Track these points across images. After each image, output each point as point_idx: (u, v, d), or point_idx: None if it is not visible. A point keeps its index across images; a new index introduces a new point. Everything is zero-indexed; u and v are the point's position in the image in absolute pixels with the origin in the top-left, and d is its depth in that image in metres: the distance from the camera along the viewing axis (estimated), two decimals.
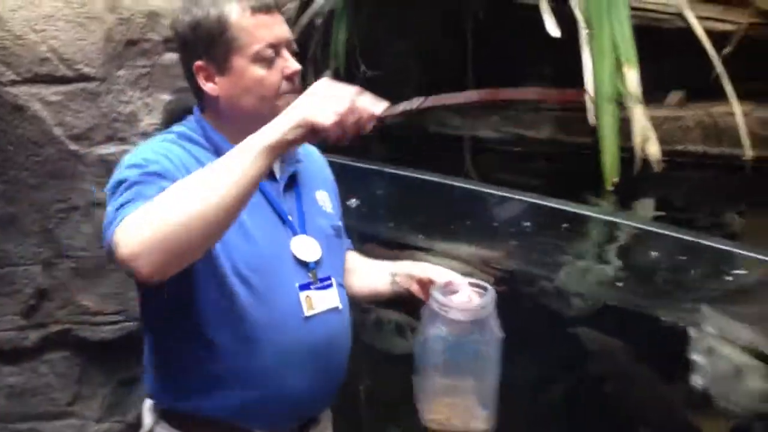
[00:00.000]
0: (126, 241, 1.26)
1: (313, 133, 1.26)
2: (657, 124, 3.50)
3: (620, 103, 3.17)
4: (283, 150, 1.29)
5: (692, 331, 2.16)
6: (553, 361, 2.50)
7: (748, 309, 2.21)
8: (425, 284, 1.63)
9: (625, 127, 3.25)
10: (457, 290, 1.58)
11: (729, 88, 3.20)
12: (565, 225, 2.81)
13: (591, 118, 3.12)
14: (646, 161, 3.23)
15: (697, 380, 2.05)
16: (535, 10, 3.23)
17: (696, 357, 2.09)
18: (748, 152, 3.19)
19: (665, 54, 3.49)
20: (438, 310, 1.49)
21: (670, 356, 2.24)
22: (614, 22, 3.19)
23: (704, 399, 2.03)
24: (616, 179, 3.12)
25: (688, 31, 3.35)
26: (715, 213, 3.09)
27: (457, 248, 2.90)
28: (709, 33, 3.30)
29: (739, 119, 3.26)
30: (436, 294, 1.52)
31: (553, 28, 3.13)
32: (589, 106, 3.13)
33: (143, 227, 1.24)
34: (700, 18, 3.40)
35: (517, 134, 3.78)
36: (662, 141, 3.45)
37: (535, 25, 3.22)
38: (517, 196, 2.94)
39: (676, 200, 3.37)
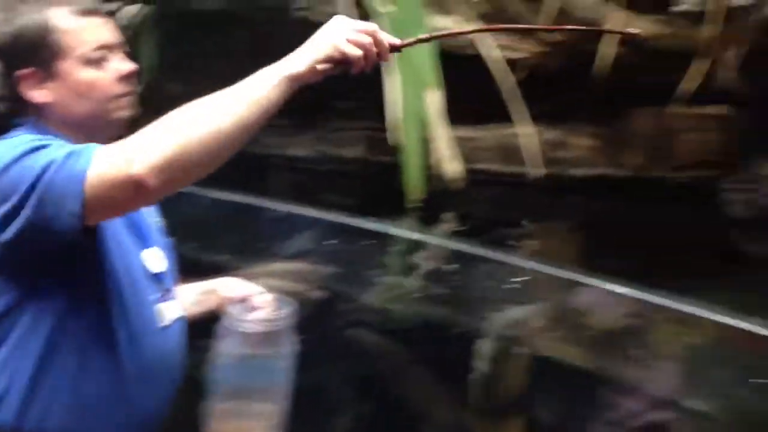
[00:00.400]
0: (144, 157, 1.22)
1: (340, 64, 1.29)
2: (458, 144, 3.71)
3: (423, 124, 3.32)
4: (308, 81, 1.29)
5: (478, 336, 2.29)
6: (347, 369, 2.56)
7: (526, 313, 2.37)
8: (228, 301, 1.62)
9: (428, 147, 3.42)
10: (255, 306, 1.57)
11: (519, 112, 3.43)
12: (370, 242, 2.90)
13: (393, 138, 3.24)
14: (447, 179, 3.40)
15: (476, 381, 2.19)
16: None
17: (480, 361, 2.23)
18: (538, 171, 3.44)
19: (464, 78, 3.70)
20: (231, 326, 1.48)
21: (459, 361, 2.36)
22: (417, 47, 3.34)
23: (482, 399, 2.16)
24: (419, 197, 3.26)
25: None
26: (508, 226, 3.31)
27: (268, 268, 2.90)
28: (505, 60, 3.54)
29: (530, 140, 3.51)
30: (231, 309, 1.51)
31: None
32: (392, 127, 3.26)
33: (161, 143, 1.23)
34: (499, 46, 3.65)
35: (329, 153, 3.86)
36: (462, 160, 3.67)
37: None
38: (323, 216, 3.00)
39: (474, 215, 3.58)
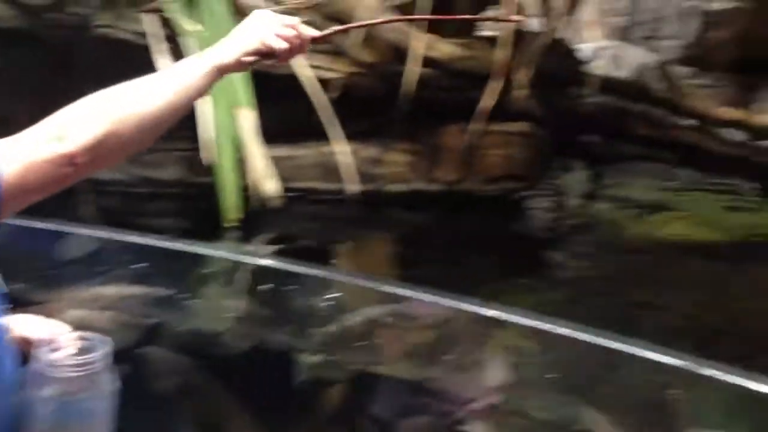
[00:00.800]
0: (76, 135, 1.21)
1: (266, 56, 1.33)
2: (276, 163, 3.72)
3: (237, 143, 3.30)
4: (234, 71, 1.33)
5: (299, 353, 2.30)
6: (165, 396, 2.48)
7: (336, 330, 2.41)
8: (29, 342, 1.52)
9: (244, 166, 3.40)
10: (63, 346, 1.48)
11: (335, 130, 3.50)
12: (187, 264, 2.83)
13: (207, 158, 3.20)
14: (266, 198, 3.39)
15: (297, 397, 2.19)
16: (147, 50, 3.25)
17: (301, 377, 2.24)
18: (355, 187, 3.51)
19: (281, 98, 3.72)
20: (42, 371, 1.39)
21: (280, 379, 2.36)
22: None
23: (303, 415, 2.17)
24: (237, 217, 3.23)
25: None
26: (327, 242, 3.35)
27: (77, 296, 2.76)
28: (319, 80, 3.59)
29: (346, 158, 3.59)
30: (39, 353, 1.41)
31: None
32: (205, 147, 3.21)
33: (92, 122, 1.22)
34: (312, 66, 3.70)
35: (143, 176, 3.73)
36: (281, 178, 3.68)
37: (147, 66, 3.22)
38: (138, 240, 2.89)
39: (294, 233, 3.60)
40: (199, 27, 3.28)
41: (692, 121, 4.50)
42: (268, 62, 1.43)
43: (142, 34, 3.44)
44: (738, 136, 4.70)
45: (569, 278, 3.52)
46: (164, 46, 3.32)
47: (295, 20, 1.39)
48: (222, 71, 1.34)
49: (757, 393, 1.91)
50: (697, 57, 4.41)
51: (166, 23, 3.38)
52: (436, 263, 3.41)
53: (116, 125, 1.25)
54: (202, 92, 1.34)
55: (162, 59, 3.22)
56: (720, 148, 4.46)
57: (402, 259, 3.48)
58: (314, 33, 1.44)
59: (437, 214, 4.01)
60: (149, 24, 3.30)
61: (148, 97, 1.28)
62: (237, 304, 2.77)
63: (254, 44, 1.33)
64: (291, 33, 1.36)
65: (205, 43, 3.18)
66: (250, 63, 1.38)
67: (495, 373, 2.54)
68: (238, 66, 1.36)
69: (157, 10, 3.39)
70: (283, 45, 1.35)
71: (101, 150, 1.24)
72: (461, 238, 3.79)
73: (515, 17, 2.08)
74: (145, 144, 1.32)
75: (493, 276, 3.34)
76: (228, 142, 3.25)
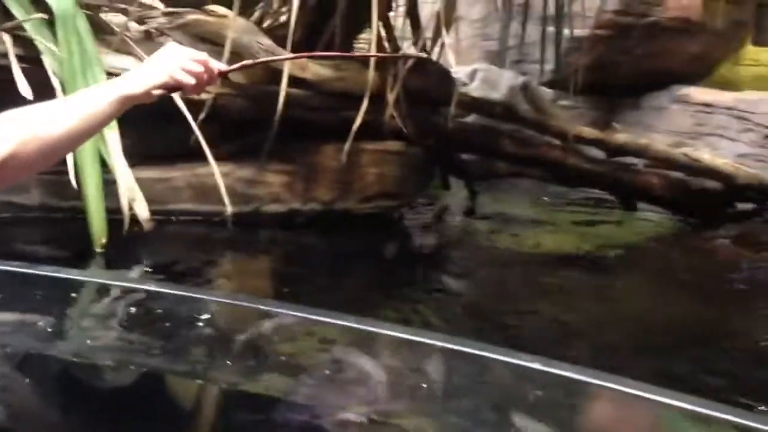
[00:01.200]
0: None
1: (174, 90, 1.38)
2: (148, 185, 3.66)
3: (102, 166, 3.23)
4: (142, 102, 1.35)
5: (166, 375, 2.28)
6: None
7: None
8: None
9: (115, 189, 3.33)
10: None
11: (208, 151, 3.49)
12: (55, 290, 2.75)
13: (73, 181, 3.12)
14: (137, 221, 3.34)
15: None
16: (8, 71, 3.15)
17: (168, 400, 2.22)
18: (230, 209, 3.51)
19: (153, 119, 3.67)
20: None
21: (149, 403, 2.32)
22: (90, 81, 3.27)
23: None
24: (105, 241, 3.16)
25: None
26: (202, 264, 3.33)
27: None
28: (187, 102, 3.57)
29: (223, 179, 3.58)
30: None
31: (25, 90, 3.08)
32: (71, 170, 3.14)
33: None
34: None
35: (6, 200, 3.58)
36: (154, 201, 3.63)
37: (9, 86, 3.13)
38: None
39: (167, 255, 3.55)
40: (54, 48, 3.21)
41: (557, 140, 4.75)
42: (177, 94, 1.47)
43: (4, 54, 3.33)
44: (598, 153, 5.00)
45: (445, 292, 3.64)
46: (23, 66, 3.22)
47: (204, 55, 1.44)
48: (129, 101, 1.38)
49: (615, 391, 2.04)
50: (560, 80, 4.67)
51: (29, 43, 3.29)
52: (313, 281, 3.45)
53: (19, 147, 1.27)
54: (107, 121, 1.37)
55: (22, 81, 3.12)
56: (583, 165, 4.72)
57: (279, 278, 3.50)
58: (222, 67, 1.50)
59: (314, 234, 4.06)
60: (8, 44, 3.20)
61: (52, 123, 1.30)
62: (106, 328, 2.71)
63: (163, 78, 1.39)
64: (199, 68, 1.42)
65: (65, 64, 3.13)
66: (158, 95, 1.41)
67: (369, 385, 2.60)
68: (145, 97, 1.40)
69: (16, 29, 3.29)
70: (191, 79, 1.40)
71: (4, 170, 1.26)
72: (338, 257, 3.85)
73: (419, 53, 2.24)
74: (44, 167, 1.37)
75: (369, 292, 3.41)
76: (92, 164, 3.18)
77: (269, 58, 3.05)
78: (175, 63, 1.41)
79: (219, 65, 1.50)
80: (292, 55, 3.55)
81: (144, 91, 1.38)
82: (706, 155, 5.17)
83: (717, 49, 7.09)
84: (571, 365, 2.27)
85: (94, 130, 1.38)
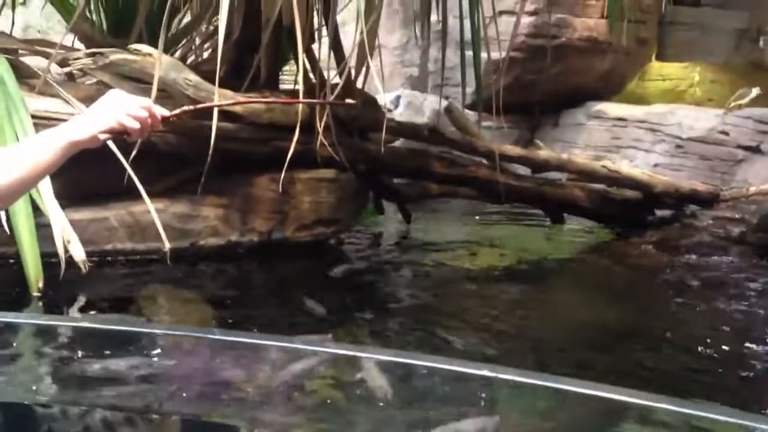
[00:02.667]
0: None
1: (119, 135, 1.42)
2: (83, 226, 3.62)
3: (37, 208, 3.19)
4: (88, 147, 1.39)
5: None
6: None
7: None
8: None
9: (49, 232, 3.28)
10: None
11: (142, 189, 3.47)
12: None
13: (6, 226, 3.07)
14: (73, 263, 3.29)
15: None
16: None
17: None
18: (167, 245, 3.49)
19: (83, 159, 3.64)
20: None
21: None
22: (16, 125, 3.24)
23: None
24: (41, 284, 3.11)
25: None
26: (141, 302, 3.30)
27: None
28: (117, 140, 3.55)
29: (157, 216, 3.56)
30: None
31: None
32: (3, 214, 3.08)
33: None
34: None
35: None
36: (90, 241, 3.58)
37: None
38: None
39: (105, 295, 3.51)
40: None
41: (484, 160, 4.90)
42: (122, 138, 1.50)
43: None
44: (523, 170, 5.19)
45: (384, 311, 3.69)
46: None
47: (149, 101, 1.51)
48: (76, 147, 1.43)
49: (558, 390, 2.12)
50: (482, 102, 4.84)
51: None
52: (251, 311, 3.47)
53: None
54: (54, 168, 1.42)
55: None
56: (510, 182, 4.88)
57: (219, 309, 3.49)
58: (165, 113, 1.54)
59: (253, 265, 4.07)
60: None
61: (1, 172, 1.34)
62: (46, 371, 2.66)
63: (109, 123, 1.45)
64: (143, 113, 1.47)
65: None
66: (104, 140, 1.45)
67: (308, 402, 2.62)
68: (91, 142, 1.45)
69: None
70: (135, 125, 1.46)
71: None
72: (278, 286, 3.87)
73: (349, 101, 2.43)
74: (6, 203, 1.39)
75: (310, 317, 3.44)
76: (24, 208, 3.13)
77: (208, 104, 3.21)
78: (121, 109, 1.46)
79: (162, 111, 1.56)
80: (228, 101, 3.60)
81: (90, 136, 1.43)
82: (623, 167, 5.43)
83: (625, 66, 7.47)
84: (516, 369, 2.36)
85: (41, 176, 1.42)
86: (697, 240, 4.88)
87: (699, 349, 3.23)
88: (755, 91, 6.21)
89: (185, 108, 1.68)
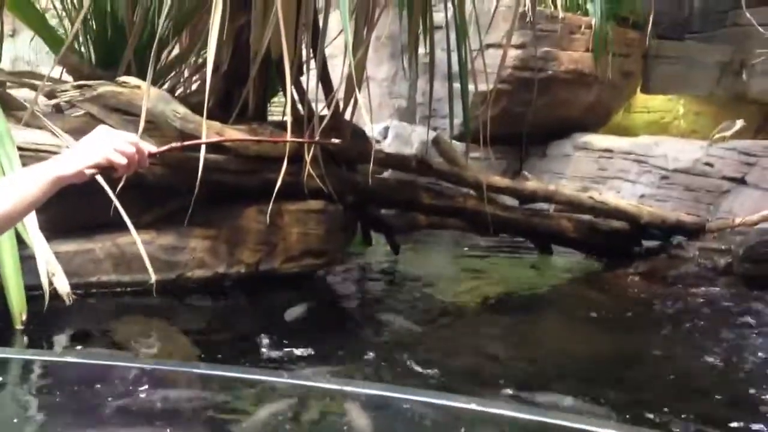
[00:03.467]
0: None
1: (106, 170, 1.44)
2: (68, 258, 3.59)
3: (21, 240, 3.16)
4: (74, 182, 1.41)
5: None
6: None
7: None
8: None
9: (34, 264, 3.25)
10: None
11: (128, 220, 3.45)
12: None
13: None
14: (57, 296, 3.26)
15: None
16: None
17: None
18: (153, 277, 3.46)
19: (68, 192, 3.62)
20: None
21: None
22: (2, 157, 3.23)
23: None
24: (24, 317, 3.08)
25: None
26: (127, 335, 3.26)
27: None
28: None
29: (143, 247, 3.53)
30: None
31: None
32: None
33: None
34: None
35: None
36: (75, 274, 3.55)
37: None
38: None
39: (90, 328, 3.47)
40: None
41: (472, 191, 4.91)
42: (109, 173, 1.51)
43: None
44: (511, 201, 5.20)
45: (374, 344, 3.66)
46: None
47: (136, 137, 1.52)
48: (62, 182, 1.43)
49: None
50: (469, 133, 4.87)
51: None
52: (239, 343, 3.44)
53: None
54: (40, 202, 1.41)
55: None
56: (498, 213, 4.89)
57: (205, 342, 3.45)
58: (153, 149, 1.55)
59: (241, 297, 4.04)
60: None
61: None
62: (33, 405, 2.62)
63: (96, 158, 1.47)
64: (131, 149, 1.48)
65: None
66: (91, 175, 1.46)
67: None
68: (78, 177, 1.45)
69: None
70: (122, 160, 1.48)
71: None
72: (265, 318, 3.84)
73: (332, 140, 2.54)
74: None
75: (297, 348, 3.40)
76: (8, 240, 3.10)
77: (195, 141, 3.24)
78: (109, 144, 1.47)
79: (149, 147, 1.56)
80: (215, 138, 3.64)
81: (76, 171, 1.44)
82: (610, 197, 5.46)
83: (610, 98, 7.56)
84: (505, 403, 2.34)
85: (27, 211, 1.42)
86: (684, 271, 4.89)
87: (688, 379, 3.23)
88: (739, 123, 6.28)
89: (173, 144, 1.70)
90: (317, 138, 3.71)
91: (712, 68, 7.70)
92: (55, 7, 4.97)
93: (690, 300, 4.41)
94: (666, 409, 2.83)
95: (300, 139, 3.84)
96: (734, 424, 2.78)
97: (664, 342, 3.77)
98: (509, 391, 2.96)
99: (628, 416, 2.77)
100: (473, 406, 2.13)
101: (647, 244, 5.40)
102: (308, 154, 3.78)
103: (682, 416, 2.78)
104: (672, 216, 5.41)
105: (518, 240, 5.46)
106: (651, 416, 2.79)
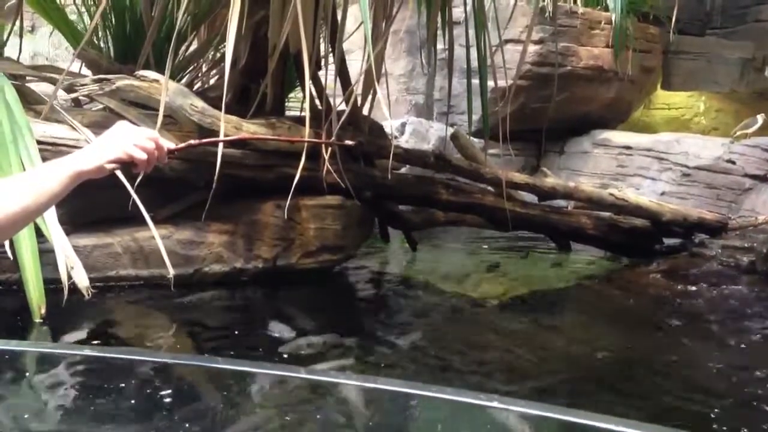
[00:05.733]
0: None
1: (126, 165, 1.44)
2: (86, 252, 3.59)
3: (37, 235, 3.16)
4: (94, 177, 1.41)
5: None
6: None
7: None
8: None
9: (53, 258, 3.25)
10: None
11: (146, 215, 3.45)
12: None
13: (9, 252, 3.04)
14: (77, 290, 3.26)
15: None
16: None
17: None
18: (171, 272, 3.46)
19: (88, 185, 3.62)
20: None
21: None
22: (22, 151, 3.23)
23: None
24: (43, 310, 3.08)
25: None
26: (146, 329, 3.26)
27: None
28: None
29: (162, 242, 3.53)
30: None
31: None
32: (7, 241, 3.05)
33: None
34: None
35: None
36: (93, 268, 3.55)
37: None
38: None
39: (110, 322, 3.47)
40: None
41: (491, 187, 4.87)
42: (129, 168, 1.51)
43: None
44: (530, 198, 5.16)
45: (390, 340, 3.64)
46: None
47: (156, 133, 1.53)
48: (82, 177, 1.42)
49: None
50: (488, 129, 4.82)
51: None
52: (259, 339, 3.42)
53: None
54: (59, 197, 1.41)
55: None
56: (517, 210, 4.85)
57: (221, 337, 3.44)
58: (171, 145, 1.55)
59: (259, 292, 4.03)
60: None
61: (7, 200, 1.34)
62: (51, 396, 2.62)
63: (116, 153, 1.47)
64: (150, 145, 1.48)
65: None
66: (111, 170, 1.46)
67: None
68: (97, 172, 1.45)
69: None
70: (142, 155, 1.48)
71: None
72: (283, 313, 3.83)
73: (349, 142, 2.52)
74: (12, 232, 1.39)
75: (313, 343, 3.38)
76: (28, 234, 3.10)
77: (213, 139, 3.20)
78: (129, 140, 1.48)
79: (168, 143, 1.56)
80: (232, 136, 3.63)
81: (96, 167, 1.44)
82: (630, 194, 5.40)
83: (630, 95, 7.48)
84: (526, 401, 2.31)
85: (47, 206, 1.42)
86: (706, 269, 4.83)
87: (709, 378, 3.18)
88: (761, 120, 6.20)
89: (191, 141, 1.71)
90: (334, 135, 3.69)
91: (733, 64, 7.61)
92: (74, 2, 4.99)
93: (712, 299, 4.35)
94: (690, 408, 2.79)
95: (316, 140, 3.82)
96: (764, 426, 2.74)
97: (686, 341, 3.72)
98: (531, 388, 2.93)
99: (647, 414, 2.73)
100: (495, 404, 2.10)
101: (668, 241, 5.33)
102: (326, 151, 3.76)
103: (704, 416, 2.74)
104: (694, 213, 5.34)
105: (536, 237, 5.41)
106: (671, 415, 2.76)
